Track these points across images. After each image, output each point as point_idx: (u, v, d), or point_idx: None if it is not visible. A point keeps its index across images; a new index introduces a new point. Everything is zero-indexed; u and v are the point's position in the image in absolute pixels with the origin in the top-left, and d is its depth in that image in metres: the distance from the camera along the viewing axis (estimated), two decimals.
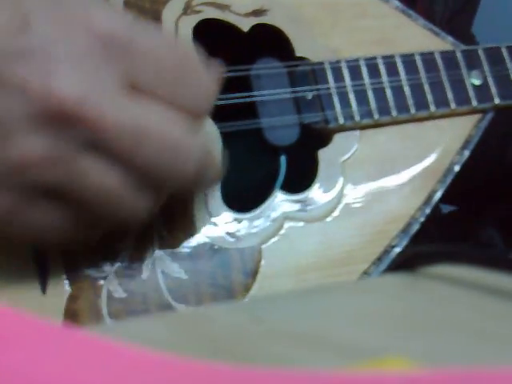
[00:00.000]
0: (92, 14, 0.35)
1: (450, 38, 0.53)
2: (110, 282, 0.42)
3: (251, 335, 0.23)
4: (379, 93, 0.49)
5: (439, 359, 0.20)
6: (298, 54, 0.49)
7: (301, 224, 0.46)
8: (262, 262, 0.44)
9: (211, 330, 0.24)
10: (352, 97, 0.49)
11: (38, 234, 0.37)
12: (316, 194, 0.47)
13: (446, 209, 0.73)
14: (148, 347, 0.19)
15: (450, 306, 0.24)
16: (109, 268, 0.42)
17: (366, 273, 0.46)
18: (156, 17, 0.47)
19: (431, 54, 0.51)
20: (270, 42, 0.49)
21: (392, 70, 0.50)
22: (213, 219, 0.44)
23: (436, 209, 0.49)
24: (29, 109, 0.33)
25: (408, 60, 0.51)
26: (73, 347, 0.18)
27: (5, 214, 0.36)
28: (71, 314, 0.41)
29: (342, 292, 0.28)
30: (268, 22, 0.49)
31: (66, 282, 0.41)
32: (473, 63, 0.52)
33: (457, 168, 0.50)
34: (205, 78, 0.38)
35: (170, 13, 0.47)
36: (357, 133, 0.49)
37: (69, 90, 0.33)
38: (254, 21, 0.49)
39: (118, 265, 0.42)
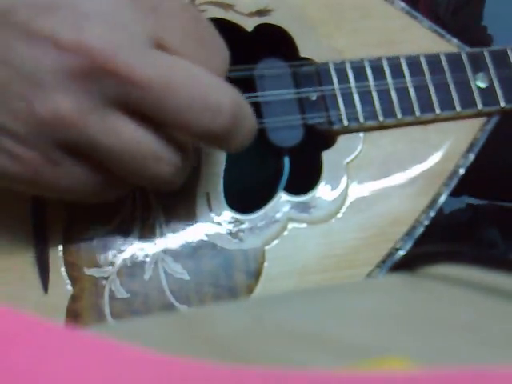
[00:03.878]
0: None
1: (455, 41, 0.53)
2: (112, 282, 0.42)
3: (252, 335, 0.22)
4: (384, 94, 0.49)
5: (439, 359, 0.20)
6: (303, 54, 0.49)
7: (304, 225, 0.46)
8: (266, 264, 0.44)
9: (212, 329, 0.23)
10: (356, 98, 0.49)
11: (64, 192, 0.37)
12: (320, 195, 0.47)
13: (448, 209, 0.73)
14: (149, 347, 0.19)
15: (450, 306, 0.24)
16: (111, 268, 0.42)
17: (369, 275, 0.45)
18: None
19: (436, 56, 0.51)
20: (274, 42, 0.49)
21: (397, 71, 0.50)
22: (216, 220, 0.44)
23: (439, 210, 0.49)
24: (58, 61, 0.33)
25: (413, 62, 0.50)
26: (74, 347, 0.18)
27: (32, 173, 0.36)
28: (73, 314, 0.41)
29: (342, 292, 0.28)
30: (272, 22, 0.49)
31: (68, 281, 0.41)
32: (478, 66, 0.52)
33: (462, 171, 0.49)
34: (221, 43, 0.39)
35: None
36: (361, 134, 0.49)
37: (99, 42, 0.33)
38: (258, 21, 0.49)
39: (120, 265, 0.42)
